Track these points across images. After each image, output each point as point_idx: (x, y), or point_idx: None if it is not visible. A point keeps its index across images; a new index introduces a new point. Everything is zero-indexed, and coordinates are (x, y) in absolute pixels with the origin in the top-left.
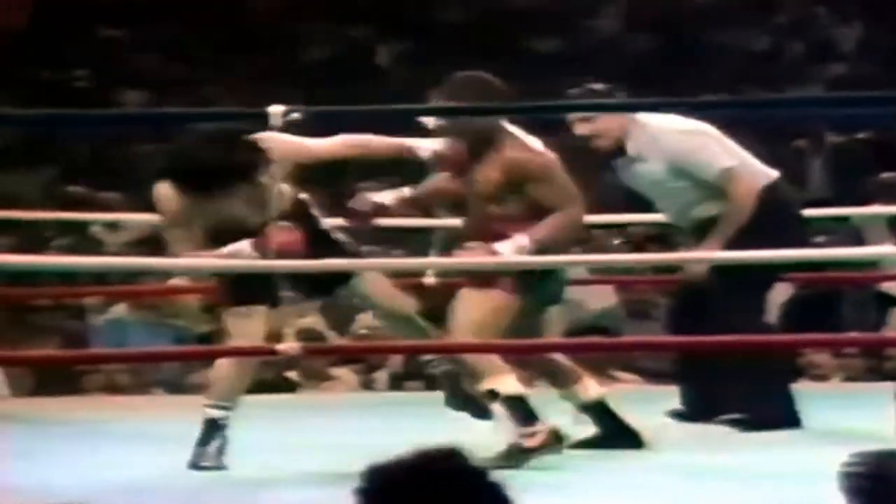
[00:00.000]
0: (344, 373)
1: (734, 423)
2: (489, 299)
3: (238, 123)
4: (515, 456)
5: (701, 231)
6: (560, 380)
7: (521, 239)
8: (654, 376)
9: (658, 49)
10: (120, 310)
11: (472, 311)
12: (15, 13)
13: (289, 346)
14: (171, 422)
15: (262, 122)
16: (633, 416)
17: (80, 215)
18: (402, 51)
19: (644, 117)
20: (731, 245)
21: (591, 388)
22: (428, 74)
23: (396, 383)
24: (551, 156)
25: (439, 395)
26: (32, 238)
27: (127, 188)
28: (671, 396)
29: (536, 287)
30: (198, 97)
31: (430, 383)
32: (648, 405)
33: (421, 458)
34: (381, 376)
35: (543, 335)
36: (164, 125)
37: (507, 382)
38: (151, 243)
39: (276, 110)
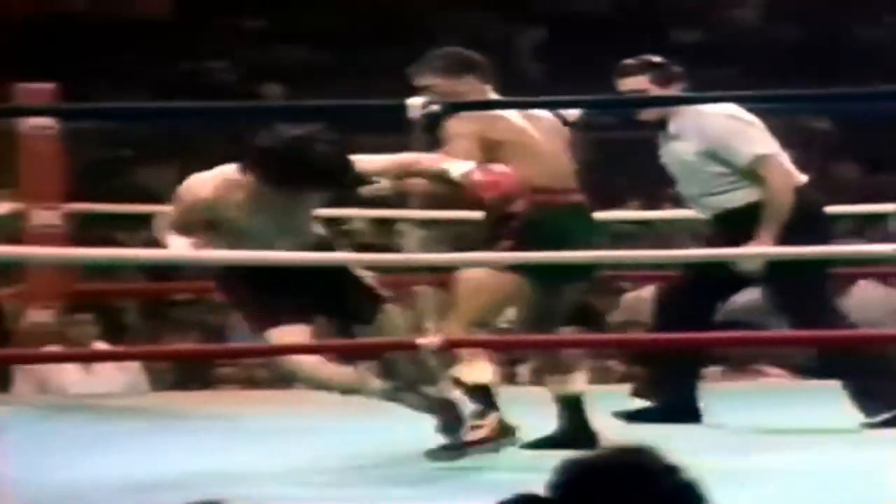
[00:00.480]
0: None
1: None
2: (486, 278)
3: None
4: (454, 449)
5: (723, 221)
6: (558, 366)
7: None
8: (804, 371)
9: (799, 40)
10: None
11: (470, 296)
12: (158, 4)
13: (430, 339)
14: (309, 416)
15: (402, 115)
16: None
17: None
18: (537, 42)
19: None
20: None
21: (579, 381)
22: (565, 66)
23: (538, 377)
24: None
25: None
26: None
27: None
28: (815, 392)
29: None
30: (338, 89)
31: None
32: (792, 400)
33: (613, 454)
34: (523, 370)
35: (563, 315)
36: (305, 118)
37: (477, 371)
38: None
39: (415, 102)
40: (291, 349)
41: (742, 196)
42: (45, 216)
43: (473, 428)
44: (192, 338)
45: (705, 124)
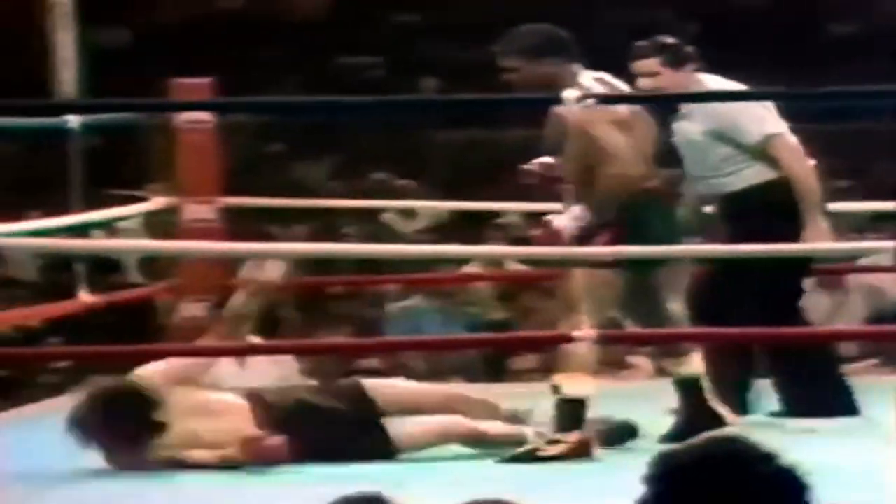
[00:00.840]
0: (641, 360)
1: None
2: (591, 275)
3: None
4: (530, 457)
5: (729, 203)
6: (674, 349)
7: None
8: None
9: None
10: (415, 299)
11: (592, 290)
12: (314, 1)
13: (585, 332)
14: None
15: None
16: None
17: (376, 203)
18: (695, 35)
19: (704, 78)
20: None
21: (695, 363)
22: (724, 58)
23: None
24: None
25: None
26: (325, 226)
27: (423, 175)
28: None
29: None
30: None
31: None
32: None
33: (708, 444)
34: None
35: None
36: (458, 112)
37: (578, 384)
38: (444, 230)
39: (570, 95)
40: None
41: (749, 176)
42: (200, 210)
43: (553, 442)
44: (347, 332)
45: (711, 104)
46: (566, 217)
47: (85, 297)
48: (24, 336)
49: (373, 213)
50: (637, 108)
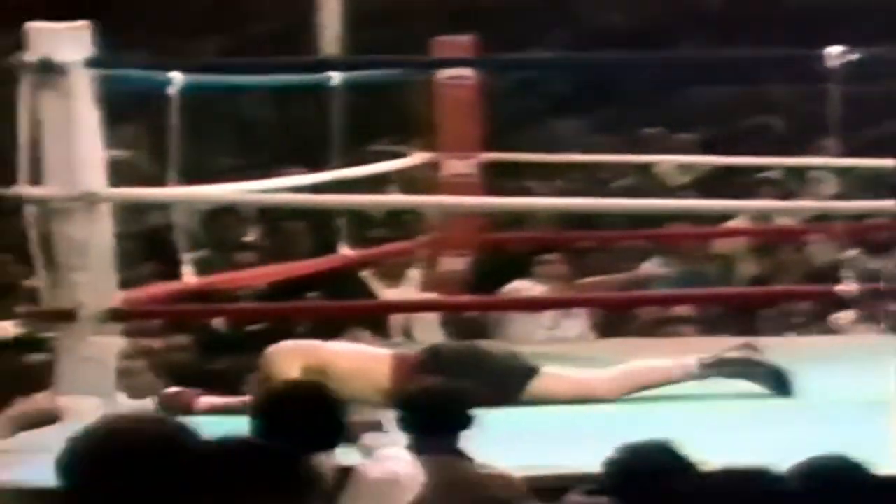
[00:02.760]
0: None
1: None
2: None
3: None
4: None
5: None
6: None
7: None
8: None
9: None
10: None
11: None
12: None
13: (848, 286)
14: None
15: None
16: None
17: (640, 158)
18: None
19: None
20: None
21: None
22: None
23: None
24: None
25: None
26: (588, 180)
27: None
28: None
29: None
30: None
31: None
32: None
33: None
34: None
35: None
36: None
37: None
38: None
39: (833, 51)
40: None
41: None
42: (459, 165)
43: None
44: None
45: None
46: None
47: (346, 251)
48: (281, 291)
49: (642, 168)
50: None
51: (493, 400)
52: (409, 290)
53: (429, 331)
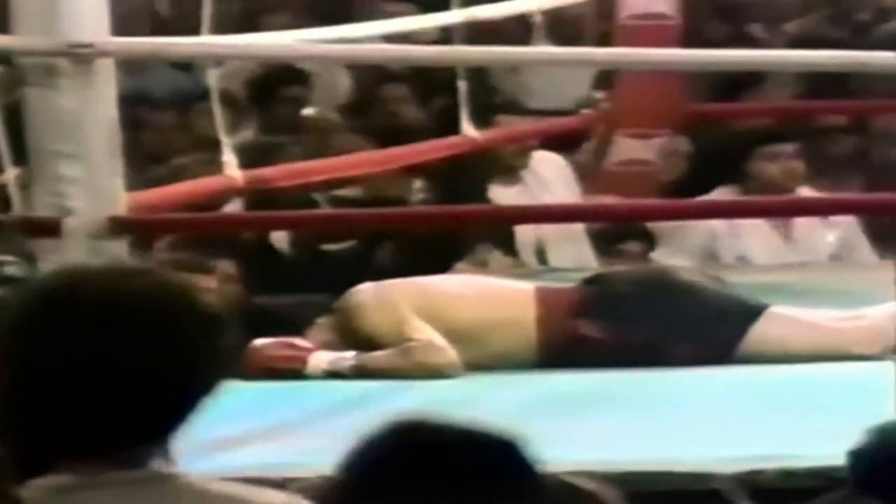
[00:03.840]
0: None
1: None
2: None
3: None
4: None
5: None
6: None
7: None
8: None
9: None
10: None
11: None
12: None
13: None
14: None
15: None
16: None
17: None
18: None
19: None
20: None
21: None
22: None
23: None
24: None
25: None
26: None
27: None
28: None
29: None
30: None
31: None
32: None
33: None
34: None
35: None
36: None
37: None
38: None
39: None
40: None
41: None
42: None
43: None
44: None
45: None
46: None
47: (470, 132)
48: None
49: None
50: None
51: (701, 354)
52: (555, 189)
53: (572, 252)
